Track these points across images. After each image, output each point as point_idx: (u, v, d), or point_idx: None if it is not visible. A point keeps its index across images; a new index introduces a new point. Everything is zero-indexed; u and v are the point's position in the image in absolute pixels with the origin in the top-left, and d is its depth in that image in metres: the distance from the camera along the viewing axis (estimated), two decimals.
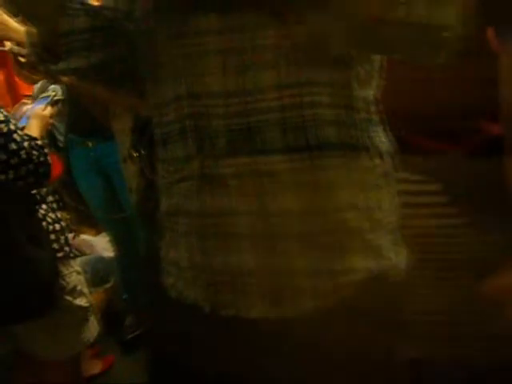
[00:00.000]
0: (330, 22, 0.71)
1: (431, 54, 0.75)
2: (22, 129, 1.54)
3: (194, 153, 0.77)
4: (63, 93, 2.14)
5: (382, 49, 0.77)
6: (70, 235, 1.71)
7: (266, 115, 0.73)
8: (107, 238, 2.72)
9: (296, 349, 0.74)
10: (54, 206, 1.64)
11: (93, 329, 1.71)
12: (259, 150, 0.73)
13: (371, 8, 0.67)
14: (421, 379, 1.07)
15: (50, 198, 1.63)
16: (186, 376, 0.84)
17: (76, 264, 1.67)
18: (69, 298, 1.60)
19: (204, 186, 0.76)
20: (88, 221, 2.80)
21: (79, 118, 2.32)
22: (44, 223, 1.56)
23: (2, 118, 1.42)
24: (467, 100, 0.97)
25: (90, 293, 1.75)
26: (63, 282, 1.58)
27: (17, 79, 2.31)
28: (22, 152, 1.42)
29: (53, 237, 1.57)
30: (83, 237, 2.80)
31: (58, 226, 1.60)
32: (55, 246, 1.57)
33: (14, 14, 1.74)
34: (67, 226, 1.68)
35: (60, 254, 1.58)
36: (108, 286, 2.55)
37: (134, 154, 1.96)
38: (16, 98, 2.27)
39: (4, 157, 1.40)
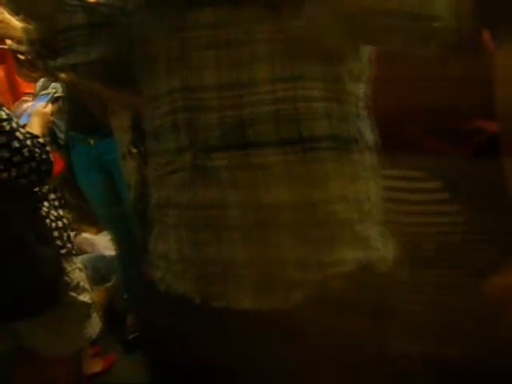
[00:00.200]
0: (323, 14, 0.73)
1: (422, 44, 0.77)
2: (24, 126, 1.55)
3: (186, 145, 0.78)
4: (63, 90, 2.15)
5: (374, 39, 0.79)
6: (72, 233, 1.72)
7: (260, 108, 0.75)
8: (108, 237, 2.72)
9: (287, 340, 0.76)
10: (56, 203, 1.65)
11: (95, 325, 1.71)
12: (252, 143, 0.75)
13: None
14: (417, 376, 1.08)
15: (52, 196, 1.64)
16: (178, 368, 0.85)
17: (78, 261, 1.68)
18: (73, 294, 1.60)
19: (196, 178, 0.77)
20: (89, 219, 2.80)
21: (80, 116, 2.32)
22: (47, 220, 1.56)
23: (5, 116, 1.43)
24: (468, 99, 0.98)
25: (92, 290, 1.75)
26: (67, 279, 1.58)
27: (17, 77, 2.32)
28: (25, 150, 1.43)
29: (56, 234, 1.57)
30: (84, 235, 2.80)
31: (60, 224, 1.60)
32: (58, 242, 1.58)
33: (16, 13, 1.75)
34: (69, 223, 1.69)
35: (63, 251, 1.59)
36: (109, 284, 2.56)
37: (133, 151, 1.97)
38: (16, 95, 2.27)
39: (7, 155, 1.40)
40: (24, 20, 1.59)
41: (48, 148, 1.51)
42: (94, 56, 0.88)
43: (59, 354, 1.63)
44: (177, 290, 0.82)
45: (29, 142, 1.45)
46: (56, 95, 1.99)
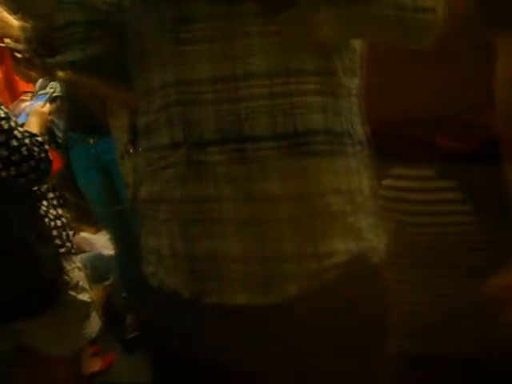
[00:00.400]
0: (317, 6, 0.73)
1: (414, 37, 0.78)
2: (22, 126, 1.54)
3: (181, 140, 0.77)
4: (61, 89, 2.15)
5: (369, 31, 0.79)
6: (70, 232, 1.72)
7: (255, 102, 0.74)
8: (107, 236, 2.72)
9: (281, 334, 0.76)
10: (55, 202, 1.64)
11: (94, 324, 1.71)
12: (247, 137, 0.74)
13: None
14: (417, 375, 1.07)
15: (51, 195, 1.63)
16: (174, 365, 0.86)
17: (77, 260, 1.68)
18: (72, 293, 1.60)
19: (191, 172, 0.77)
20: (88, 218, 2.80)
21: (78, 116, 2.31)
22: (46, 219, 1.56)
23: (3, 115, 1.42)
24: (476, 98, 0.98)
25: (91, 289, 1.75)
26: (67, 278, 1.58)
27: (15, 76, 2.31)
28: (23, 149, 1.43)
29: (55, 233, 1.57)
30: (83, 234, 2.80)
31: (59, 222, 1.60)
32: (57, 242, 1.57)
33: (13, 11, 1.74)
34: (68, 222, 1.68)
35: (62, 250, 1.58)
36: (107, 283, 2.56)
37: (131, 150, 1.97)
38: (15, 94, 2.27)
39: (5, 153, 1.40)
40: (21, 18, 1.59)
41: (46, 147, 1.50)
42: (92, 53, 0.87)
43: (59, 353, 1.63)
44: (169, 285, 0.81)
45: (27, 141, 1.44)
46: (54, 95, 1.98)
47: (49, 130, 2.31)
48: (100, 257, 2.59)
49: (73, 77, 1.60)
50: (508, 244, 0.96)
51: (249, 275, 0.76)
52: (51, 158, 1.51)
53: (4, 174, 1.41)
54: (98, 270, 2.45)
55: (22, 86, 2.41)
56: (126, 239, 2.45)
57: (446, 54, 0.93)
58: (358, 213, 0.80)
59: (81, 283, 1.64)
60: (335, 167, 0.78)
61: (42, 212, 1.57)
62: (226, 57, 0.74)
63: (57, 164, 2.22)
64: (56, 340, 1.59)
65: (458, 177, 1.01)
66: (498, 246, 1.00)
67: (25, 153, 1.43)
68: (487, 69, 0.92)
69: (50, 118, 1.94)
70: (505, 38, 0.90)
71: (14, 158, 1.41)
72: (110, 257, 2.63)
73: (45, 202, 1.60)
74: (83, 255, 2.37)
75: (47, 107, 1.86)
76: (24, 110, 1.89)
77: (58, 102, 2.20)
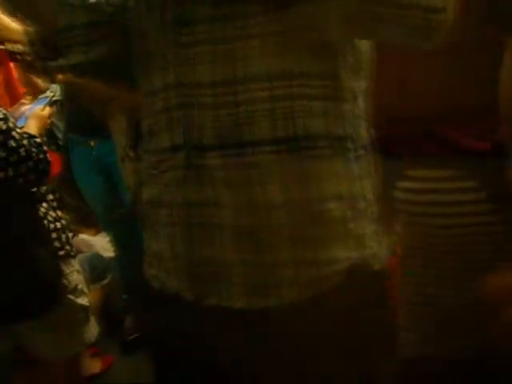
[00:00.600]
0: (320, 8, 0.71)
1: (426, 36, 0.75)
2: (21, 128, 1.54)
3: (180, 143, 0.76)
4: (61, 93, 2.14)
5: (377, 31, 0.76)
6: (70, 234, 1.71)
7: (255, 106, 0.72)
8: (107, 238, 2.71)
9: (280, 338, 0.75)
10: (55, 204, 1.64)
11: (93, 328, 1.71)
12: (247, 141, 0.73)
13: None
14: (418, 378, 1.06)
15: (50, 197, 1.63)
16: (174, 366, 0.85)
17: (76, 263, 1.67)
18: (71, 297, 1.60)
19: (190, 176, 0.75)
20: (87, 220, 2.79)
21: (79, 118, 2.31)
22: (45, 221, 1.56)
23: (1, 116, 1.42)
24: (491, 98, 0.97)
25: (89, 290, 1.74)
26: (65, 281, 1.57)
27: (15, 78, 2.31)
28: (21, 149, 1.42)
29: (54, 235, 1.57)
30: (82, 236, 2.80)
31: (58, 225, 1.59)
32: (56, 244, 1.57)
33: (12, 14, 1.73)
34: (67, 224, 1.67)
35: (61, 253, 1.58)
36: (105, 282, 2.55)
37: (130, 154, 1.96)
38: (15, 97, 2.26)
39: (3, 154, 1.40)
40: (22, 21, 1.58)
41: (45, 148, 1.50)
42: (93, 56, 0.86)
43: (58, 357, 1.62)
44: (170, 288, 0.81)
45: (25, 142, 1.44)
46: (54, 98, 1.98)
47: (49, 131, 2.30)
48: (97, 256, 2.59)
49: (74, 80, 1.60)
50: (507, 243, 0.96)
51: (247, 280, 0.75)
52: (50, 159, 1.51)
53: (2, 174, 1.40)
54: (95, 269, 2.45)
55: (22, 88, 2.40)
56: (126, 241, 2.45)
57: (467, 51, 0.91)
58: (359, 219, 0.78)
59: (79, 286, 1.64)
60: (336, 172, 0.76)
61: (41, 214, 1.56)
62: (226, 59, 0.73)
63: (58, 167, 2.22)
64: (55, 344, 1.59)
65: (479, 176, 1.00)
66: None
67: (23, 154, 1.42)
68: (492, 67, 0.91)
69: (49, 121, 1.93)
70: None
71: (11, 158, 1.41)
72: (108, 258, 2.62)
73: (44, 204, 1.60)
74: (80, 255, 2.35)
75: (47, 110, 1.86)
76: (24, 113, 1.88)
77: (58, 105, 2.19)
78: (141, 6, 0.80)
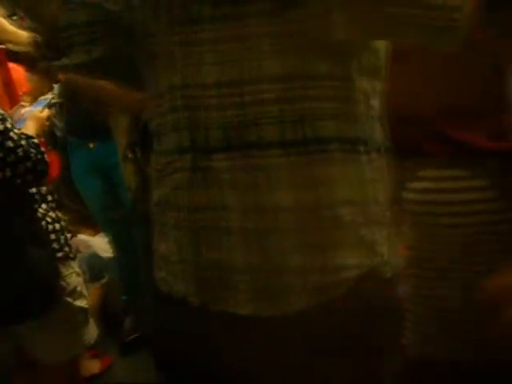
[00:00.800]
0: (334, 6, 0.68)
1: (443, 37, 0.72)
2: (19, 129, 1.52)
3: (187, 145, 0.74)
4: (60, 95, 2.14)
5: (391, 32, 0.73)
6: (68, 235, 1.70)
7: (262, 107, 0.70)
8: (105, 239, 2.71)
9: (287, 346, 0.73)
10: (54, 205, 1.62)
11: (92, 330, 1.70)
12: (254, 144, 0.71)
13: None
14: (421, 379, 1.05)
15: (50, 198, 1.61)
16: (178, 368, 0.83)
17: (75, 265, 1.65)
18: (69, 299, 1.58)
19: (196, 179, 0.74)
20: (86, 221, 2.78)
21: (78, 121, 2.31)
22: (44, 222, 1.54)
23: None
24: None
25: (87, 289, 1.73)
26: (63, 283, 1.56)
27: (14, 79, 2.29)
28: (19, 150, 1.40)
29: (53, 236, 1.55)
30: (81, 237, 2.79)
31: (57, 226, 1.58)
32: (55, 245, 1.56)
33: (10, 14, 1.73)
34: (66, 225, 1.66)
35: (60, 254, 1.56)
36: (103, 281, 2.55)
37: (129, 156, 1.95)
38: (13, 98, 2.25)
39: (1, 154, 1.38)
40: (21, 19, 1.57)
41: (43, 149, 1.48)
42: (97, 55, 0.84)
43: (57, 360, 1.60)
44: (177, 291, 0.79)
45: (24, 142, 1.42)
46: (53, 101, 1.97)
47: (50, 132, 2.29)
48: (95, 255, 2.59)
49: (77, 79, 1.58)
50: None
51: (254, 286, 0.73)
52: (48, 159, 1.49)
53: (0, 175, 1.38)
54: (93, 269, 2.45)
55: (21, 89, 2.38)
56: (126, 242, 2.45)
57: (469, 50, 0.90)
58: (371, 224, 0.76)
59: (78, 288, 1.62)
60: (347, 176, 0.73)
61: (40, 215, 1.55)
62: (232, 59, 0.70)
63: (57, 168, 2.21)
64: (53, 346, 1.57)
65: (487, 175, 0.99)
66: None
67: (21, 154, 1.40)
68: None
69: (47, 123, 1.92)
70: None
71: (9, 159, 1.39)
72: (107, 258, 2.62)
73: (43, 205, 1.58)
74: (78, 256, 2.35)
75: (45, 112, 1.85)
76: (23, 115, 1.87)
77: (57, 107, 2.18)
78: (146, 6, 0.77)
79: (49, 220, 1.56)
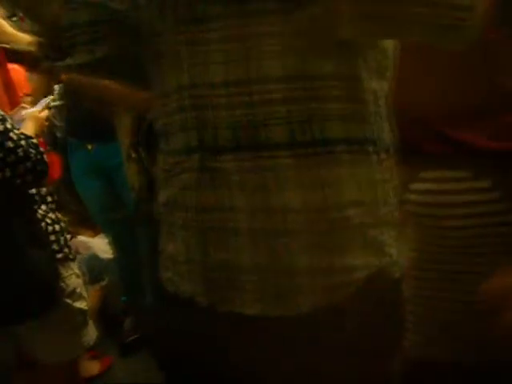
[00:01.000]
0: (340, 5, 0.66)
1: (453, 36, 0.70)
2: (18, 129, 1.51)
3: (195, 145, 0.73)
4: (60, 97, 2.13)
5: (400, 31, 0.72)
6: (68, 236, 1.69)
7: (271, 107, 0.69)
8: (105, 240, 2.70)
9: (294, 346, 0.73)
10: (54, 206, 1.61)
11: (92, 332, 1.69)
12: (262, 144, 0.70)
13: None
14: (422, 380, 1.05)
15: (49, 199, 1.60)
16: (184, 370, 0.82)
17: (75, 266, 1.64)
18: (68, 300, 1.57)
19: (204, 179, 0.73)
20: (86, 222, 2.78)
21: (78, 122, 2.30)
22: (43, 224, 1.53)
23: None
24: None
25: (87, 291, 1.72)
26: (63, 285, 1.55)
27: (14, 80, 2.29)
28: (19, 150, 1.39)
29: (52, 238, 1.54)
30: (81, 238, 2.78)
31: (57, 227, 1.57)
32: (55, 247, 1.54)
33: (10, 15, 1.72)
34: (66, 226, 1.65)
35: (60, 256, 1.55)
36: (103, 283, 2.54)
37: (133, 155, 1.94)
38: (14, 99, 2.24)
39: (0, 155, 1.37)
40: (20, 20, 1.56)
41: (42, 149, 1.47)
42: (100, 54, 0.83)
43: (56, 361, 1.59)
44: (184, 292, 0.78)
45: (23, 143, 1.41)
46: (53, 103, 1.97)
47: (50, 133, 2.28)
48: (95, 257, 2.59)
49: (80, 79, 1.57)
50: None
51: (261, 287, 0.73)
52: (48, 160, 1.48)
53: None
54: (93, 270, 2.44)
55: (21, 90, 2.38)
56: (126, 243, 2.44)
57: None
58: (380, 225, 0.75)
59: (78, 290, 1.61)
60: (356, 177, 0.73)
61: (40, 216, 1.53)
62: (239, 59, 0.69)
63: (58, 170, 2.20)
64: (53, 348, 1.56)
65: (491, 177, 0.98)
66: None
67: (21, 154, 1.39)
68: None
69: (46, 123, 1.91)
70: None
71: (9, 159, 1.38)
72: (107, 259, 2.61)
73: (43, 206, 1.57)
74: (78, 257, 2.34)
75: (45, 113, 1.84)
76: (24, 117, 1.86)
77: (57, 107, 2.18)
78: (152, 5, 0.76)
79: (48, 221, 1.55)
